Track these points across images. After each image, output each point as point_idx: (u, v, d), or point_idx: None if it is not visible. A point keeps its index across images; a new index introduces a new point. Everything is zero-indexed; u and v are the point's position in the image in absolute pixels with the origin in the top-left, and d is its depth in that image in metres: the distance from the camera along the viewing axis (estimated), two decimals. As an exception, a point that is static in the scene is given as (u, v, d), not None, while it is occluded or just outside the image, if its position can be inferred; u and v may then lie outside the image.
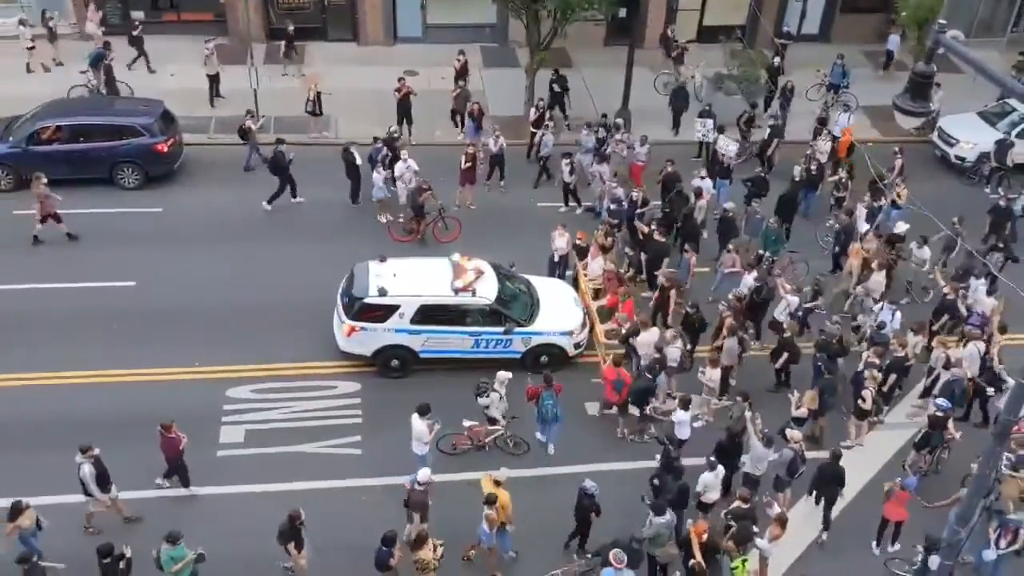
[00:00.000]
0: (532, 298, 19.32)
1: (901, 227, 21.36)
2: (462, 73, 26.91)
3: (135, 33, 27.80)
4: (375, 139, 23.44)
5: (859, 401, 17.41)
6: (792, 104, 27.07)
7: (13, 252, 21.03)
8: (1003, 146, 25.24)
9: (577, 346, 19.11)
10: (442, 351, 18.54)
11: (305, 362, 18.89)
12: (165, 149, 23.30)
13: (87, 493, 14.95)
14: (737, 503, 15.01)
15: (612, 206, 21.84)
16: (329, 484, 16.36)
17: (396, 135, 24.02)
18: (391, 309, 18.13)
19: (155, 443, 16.04)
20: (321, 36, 30.52)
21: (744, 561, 14.21)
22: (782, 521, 14.67)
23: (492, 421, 17.03)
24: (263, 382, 18.40)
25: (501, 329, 18.48)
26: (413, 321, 18.19)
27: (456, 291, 18.36)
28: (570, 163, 23.21)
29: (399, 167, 22.51)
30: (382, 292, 18.13)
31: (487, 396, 16.85)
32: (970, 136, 26.34)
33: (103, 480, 14.95)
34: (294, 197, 23.28)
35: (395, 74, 26.32)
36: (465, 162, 23.33)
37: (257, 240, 21.97)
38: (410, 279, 18.52)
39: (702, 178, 22.79)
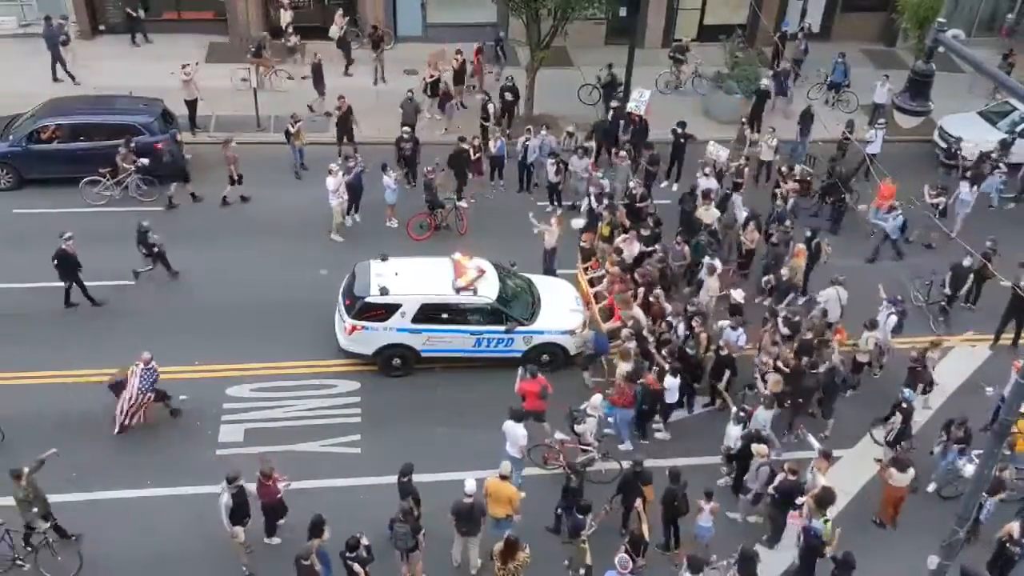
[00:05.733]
0: (533, 297, 19.32)
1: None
2: (460, 72, 26.92)
3: (342, 36, 28.41)
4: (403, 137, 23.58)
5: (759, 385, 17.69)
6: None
7: (14, 250, 21.04)
8: (1006, 146, 25.27)
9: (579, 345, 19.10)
10: (443, 350, 18.53)
11: (305, 361, 18.90)
12: (163, 147, 23.26)
13: (232, 521, 14.47)
14: (785, 475, 15.30)
15: (596, 200, 21.83)
16: (328, 483, 16.35)
17: (405, 136, 23.80)
18: (392, 308, 18.12)
19: (155, 441, 16.11)
20: (321, 35, 30.52)
21: (826, 521, 14.73)
22: (827, 455, 15.85)
23: (585, 445, 16.60)
24: (263, 381, 18.40)
25: (502, 328, 18.49)
26: (414, 320, 18.18)
27: (457, 290, 18.36)
28: (556, 163, 23.18)
29: (331, 182, 21.74)
30: (383, 291, 18.13)
31: (583, 423, 16.43)
32: (971, 135, 26.31)
33: (239, 514, 14.41)
34: (459, 199, 23.04)
35: (396, 73, 26.30)
36: (473, 153, 23.43)
37: (258, 238, 21.96)
38: (411, 278, 18.52)
39: (706, 175, 22.75)
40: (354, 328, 18.22)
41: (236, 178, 22.85)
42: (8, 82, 26.38)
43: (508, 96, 26.36)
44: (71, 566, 14.63)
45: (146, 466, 16.35)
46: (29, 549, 14.59)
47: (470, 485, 14.46)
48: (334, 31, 28.82)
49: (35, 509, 14.35)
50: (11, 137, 22.89)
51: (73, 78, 27.24)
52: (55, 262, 19.12)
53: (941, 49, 10.59)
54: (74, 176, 22.84)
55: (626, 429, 17.45)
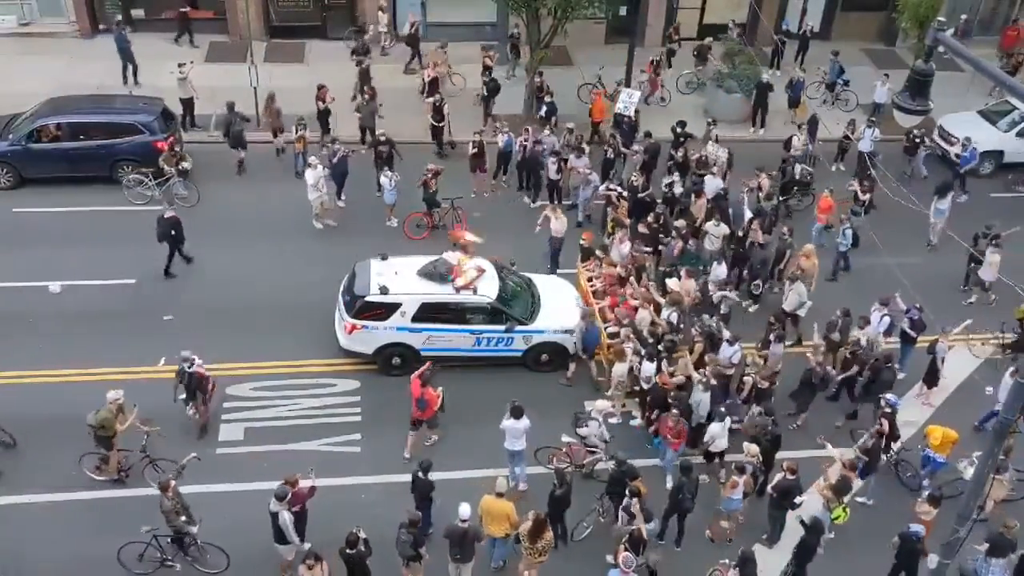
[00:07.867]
0: (533, 296, 19.33)
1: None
2: (486, 71, 26.94)
3: (412, 31, 28.55)
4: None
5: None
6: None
7: (14, 250, 21.05)
8: None
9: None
10: (443, 349, 18.53)
11: (305, 360, 18.91)
12: (165, 147, 23.28)
13: (280, 541, 14.28)
14: (783, 474, 15.42)
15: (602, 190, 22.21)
16: (328, 482, 16.31)
17: (381, 139, 23.51)
18: (392, 307, 18.14)
19: (154, 440, 16.10)
20: (320, 35, 30.55)
21: (845, 508, 15.06)
22: (853, 466, 15.83)
23: (591, 447, 16.66)
24: (263, 380, 18.42)
25: (502, 327, 18.50)
26: (414, 319, 18.19)
27: (457, 289, 18.37)
28: (557, 161, 23.21)
29: (310, 175, 21.86)
30: (383, 290, 18.14)
31: (586, 426, 16.52)
32: (970, 135, 26.31)
33: (299, 527, 14.35)
34: (533, 202, 23.74)
35: (396, 73, 26.22)
36: (472, 148, 23.42)
37: (257, 238, 21.96)
38: (412, 277, 18.54)
39: (712, 175, 22.77)
40: (354, 327, 18.23)
41: (278, 131, 24.21)
42: (8, 82, 26.37)
43: (484, 92, 26.38)
44: (220, 563, 14.80)
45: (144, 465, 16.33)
46: (180, 552, 14.77)
47: (465, 510, 14.07)
48: (406, 29, 28.88)
49: (183, 518, 14.40)
50: (11, 136, 22.88)
51: (138, 83, 27.32)
52: (172, 232, 20.01)
53: (941, 49, 10.60)
54: (74, 175, 22.90)
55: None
